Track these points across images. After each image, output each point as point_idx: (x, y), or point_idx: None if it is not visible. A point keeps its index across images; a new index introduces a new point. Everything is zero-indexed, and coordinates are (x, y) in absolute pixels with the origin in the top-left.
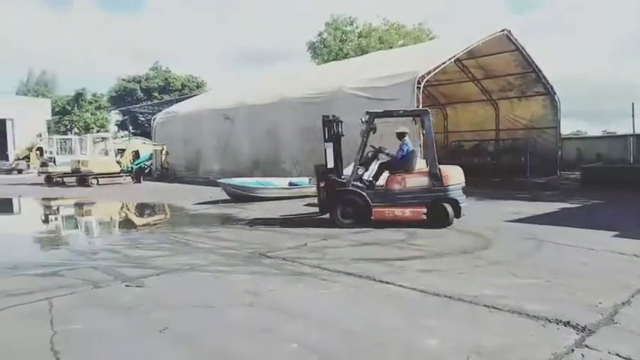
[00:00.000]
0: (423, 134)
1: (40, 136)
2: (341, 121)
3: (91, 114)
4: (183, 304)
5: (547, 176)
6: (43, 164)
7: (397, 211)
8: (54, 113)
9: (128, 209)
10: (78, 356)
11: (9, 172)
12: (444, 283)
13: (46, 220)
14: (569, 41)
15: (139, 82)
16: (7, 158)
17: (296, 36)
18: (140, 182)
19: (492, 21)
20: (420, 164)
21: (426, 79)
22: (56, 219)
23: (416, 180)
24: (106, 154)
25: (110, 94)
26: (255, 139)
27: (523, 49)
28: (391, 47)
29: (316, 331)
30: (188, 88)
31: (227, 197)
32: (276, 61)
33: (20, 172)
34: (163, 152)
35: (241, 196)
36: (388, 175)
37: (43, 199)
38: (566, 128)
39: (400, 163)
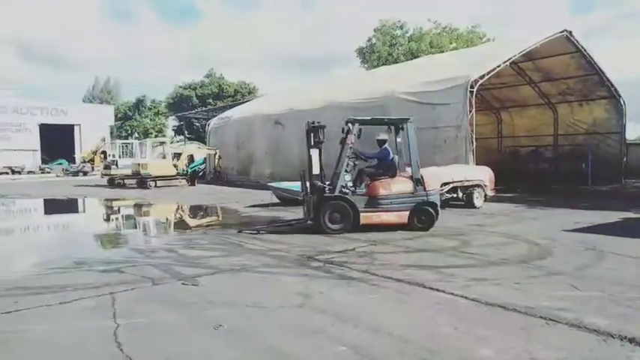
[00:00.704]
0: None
1: (104, 140)
2: (324, 127)
3: (150, 119)
4: (236, 303)
5: (610, 184)
6: (106, 167)
7: (384, 216)
8: (116, 119)
9: (183, 210)
10: (139, 348)
11: (75, 174)
12: (497, 292)
13: (108, 220)
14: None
15: (195, 88)
16: (74, 161)
17: (346, 42)
18: (194, 185)
19: (550, 22)
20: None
21: (479, 83)
22: (117, 219)
23: (401, 185)
24: (164, 157)
25: (168, 100)
26: (304, 144)
27: (585, 50)
28: (442, 51)
29: (366, 335)
30: (240, 94)
31: (277, 200)
32: (327, 67)
33: (85, 174)
34: (216, 156)
35: (291, 200)
36: (369, 181)
37: (106, 199)
38: (634, 133)
39: (382, 169)
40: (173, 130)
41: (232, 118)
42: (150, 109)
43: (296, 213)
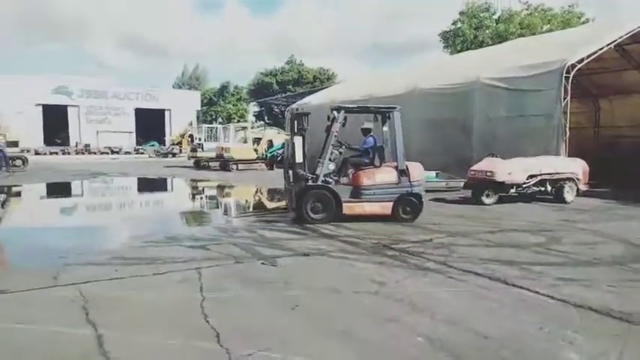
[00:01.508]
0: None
1: (191, 124)
2: (308, 114)
3: (233, 105)
4: (312, 285)
5: None
6: (193, 149)
7: (367, 206)
8: (202, 104)
9: (262, 193)
10: (223, 321)
11: (165, 155)
12: (589, 294)
13: (194, 199)
14: None
15: (275, 75)
16: (164, 143)
17: (426, 27)
18: (273, 169)
19: None
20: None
21: (577, 68)
22: (202, 198)
23: (385, 175)
24: (245, 142)
25: (250, 87)
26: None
27: None
28: (534, 33)
29: (443, 327)
30: (319, 81)
31: None
32: (408, 53)
33: (174, 155)
34: None
35: None
36: (353, 170)
37: (192, 180)
38: None
39: (366, 159)
40: (254, 115)
41: (311, 104)
42: (233, 95)
43: None
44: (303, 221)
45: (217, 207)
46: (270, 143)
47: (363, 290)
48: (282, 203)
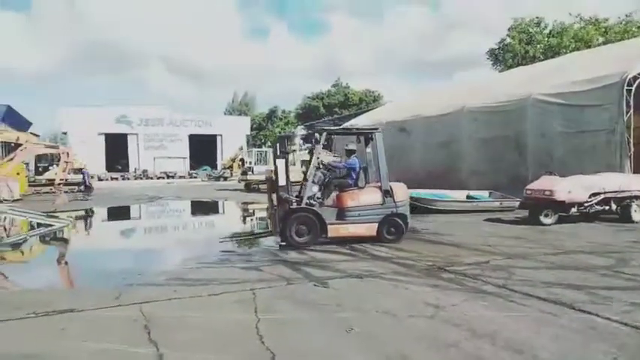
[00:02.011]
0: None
1: (241, 148)
2: (291, 137)
3: (281, 129)
4: (365, 308)
5: None
6: (244, 173)
7: (351, 228)
8: (252, 129)
9: None
10: (278, 342)
11: (217, 179)
12: None
13: (245, 221)
14: None
15: (322, 98)
16: (216, 167)
17: (472, 45)
18: None
19: None
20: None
21: (639, 80)
22: (253, 220)
23: (369, 196)
24: (293, 164)
25: (297, 111)
26: (430, 150)
27: None
28: (589, 46)
29: (506, 354)
30: (365, 102)
31: None
32: (455, 71)
33: (225, 179)
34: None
35: (415, 208)
36: (337, 192)
37: (243, 202)
38: None
39: (350, 180)
40: (302, 138)
41: (357, 126)
42: (281, 119)
43: (424, 222)
44: (288, 244)
45: (267, 228)
46: None
47: (419, 314)
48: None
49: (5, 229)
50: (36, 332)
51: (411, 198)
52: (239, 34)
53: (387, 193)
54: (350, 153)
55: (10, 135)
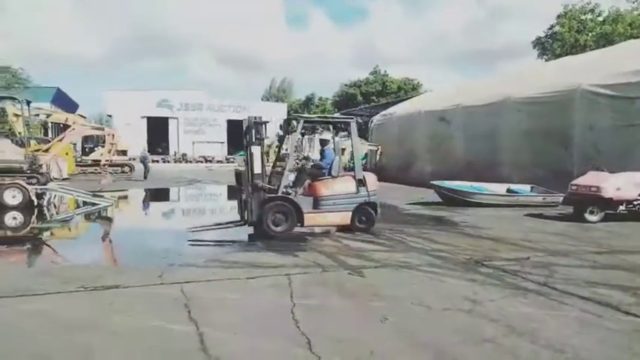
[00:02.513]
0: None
1: (277, 135)
2: (266, 123)
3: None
4: (401, 298)
5: None
6: (280, 159)
7: (328, 216)
8: (288, 115)
9: None
10: (313, 328)
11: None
12: None
13: None
14: None
15: (359, 86)
16: None
17: (521, 33)
18: None
19: None
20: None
21: None
22: None
23: (344, 185)
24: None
25: (334, 98)
26: (470, 141)
27: None
28: None
29: (546, 353)
30: (404, 91)
31: (439, 199)
32: (499, 61)
33: None
34: (378, 152)
35: (454, 200)
36: (310, 181)
37: None
38: None
39: (323, 169)
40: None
41: (395, 114)
42: (317, 106)
43: (462, 215)
44: (264, 235)
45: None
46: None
47: (455, 307)
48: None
49: (55, 206)
50: (86, 305)
51: (449, 190)
52: (279, 21)
53: (361, 183)
54: (324, 142)
55: (60, 116)
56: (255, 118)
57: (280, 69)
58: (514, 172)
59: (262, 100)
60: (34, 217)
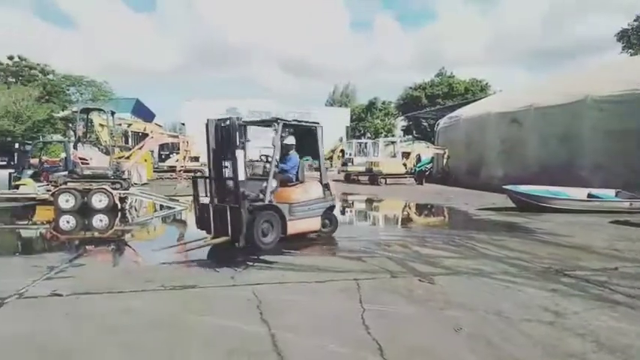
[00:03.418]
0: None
1: (341, 140)
2: (245, 125)
3: (380, 120)
4: (475, 307)
5: None
6: (343, 164)
7: (304, 223)
8: (352, 120)
9: (413, 208)
10: (384, 335)
11: (317, 169)
12: None
13: (346, 212)
14: None
15: (424, 89)
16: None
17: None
18: (422, 184)
19: None
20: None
21: None
22: (353, 211)
23: (315, 190)
24: (394, 156)
25: (398, 102)
26: (545, 143)
27: None
28: None
29: None
30: (471, 92)
31: (511, 205)
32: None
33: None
34: (445, 156)
35: (528, 205)
36: (279, 187)
37: (343, 193)
38: None
39: (291, 175)
40: (402, 130)
41: (462, 117)
42: (380, 110)
43: (538, 221)
44: (255, 248)
45: (368, 220)
46: (419, 157)
47: (535, 319)
48: (435, 219)
49: (136, 210)
50: (164, 303)
51: (524, 195)
52: (343, 26)
53: (327, 187)
54: (289, 147)
55: (139, 126)
56: (238, 118)
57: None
58: (595, 176)
59: (326, 105)
60: (117, 219)
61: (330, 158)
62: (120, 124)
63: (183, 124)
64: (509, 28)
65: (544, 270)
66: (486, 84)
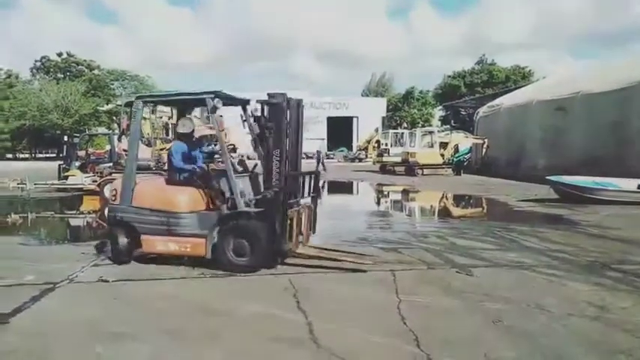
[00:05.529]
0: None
1: (377, 130)
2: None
3: (417, 110)
4: (515, 300)
5: None
6: (379, 154)
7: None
8: (388, 110)
9: (451, 199)
10: (420, 326)
11: (352, 160)
12: None
13: (381, 202)
14: None
15: (464, 77)
16: (351, 149)
17: None
18: (460, 175)
19: None
20: None
21: None
22: (390, 202)
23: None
24: (431, 146)
25: (436, 91)
26: (592, 133)
27: None
28: None
29: None
30: (513, 80)
31: (554, 196)
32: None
33: (360, 160)
34: (484, 146)
35: (573, 197)
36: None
37: (379, 184)
38: None
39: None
40: (440, 119)
41: (503, 105)
42: (418, 99)
43: (583, 213)
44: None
45: (405, 211)
46: (457, 148)
47: (579, 313)
48: (475, 210)
49: None
50: (206, 290)
51: (569, 186)
52: (380, 14)
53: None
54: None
55: None
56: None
57: (381, 63)
58: None
59: (362, 95)
60: None
61: (366, 149)
62: (161, 117)
63: (221, 116)
64: (554, 11)
65: (589, 263)
66: (529, 71)
